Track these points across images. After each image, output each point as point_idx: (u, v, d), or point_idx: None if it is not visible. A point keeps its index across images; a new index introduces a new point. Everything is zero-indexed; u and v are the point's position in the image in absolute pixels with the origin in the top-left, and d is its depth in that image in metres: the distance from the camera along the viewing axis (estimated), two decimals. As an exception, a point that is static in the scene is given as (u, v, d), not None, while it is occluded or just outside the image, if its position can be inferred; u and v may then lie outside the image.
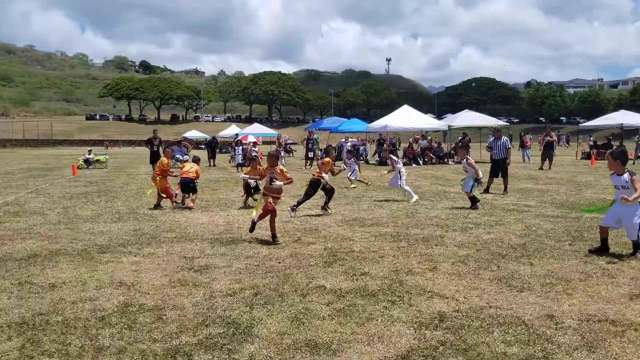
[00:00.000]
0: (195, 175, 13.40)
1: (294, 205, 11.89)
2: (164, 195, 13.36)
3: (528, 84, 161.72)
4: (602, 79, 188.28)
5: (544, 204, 13.14)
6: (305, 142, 32.13)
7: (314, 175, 12.30)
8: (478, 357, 4.40)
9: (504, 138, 16.64)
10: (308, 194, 12.07)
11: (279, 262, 7.53)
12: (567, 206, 12.63)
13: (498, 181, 16.14)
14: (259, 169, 11.49)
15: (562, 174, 22.08)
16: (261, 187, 10.52)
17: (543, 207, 12.58)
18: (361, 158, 34.85)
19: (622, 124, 35.67)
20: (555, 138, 29.75)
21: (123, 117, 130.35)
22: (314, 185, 12.07)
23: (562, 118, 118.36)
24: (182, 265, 7.45)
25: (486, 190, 15.34)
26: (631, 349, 4.48)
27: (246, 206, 13.31)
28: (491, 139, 16.59)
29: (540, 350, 4.49)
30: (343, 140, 34.19)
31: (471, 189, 12.48)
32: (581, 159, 35.32)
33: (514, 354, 4.44)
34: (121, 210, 12.85)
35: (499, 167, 15.86)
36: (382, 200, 14.11)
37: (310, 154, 30.22)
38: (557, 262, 7.30)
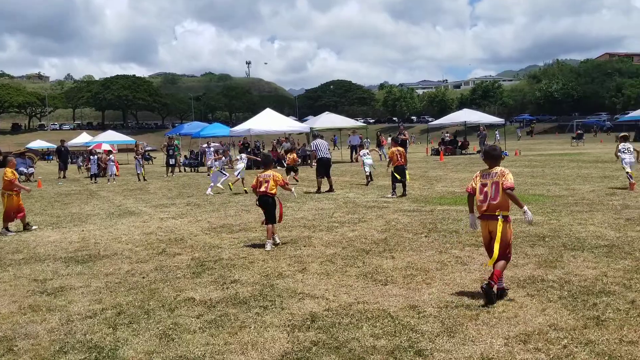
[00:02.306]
0: (292, 161, 20.89)
1: None
2: (16, 215, 11.39)
3: (381, 86, 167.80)
4: (446, 80, 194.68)
5: (401, 199, 13.93)
6: (165, 148, 30.96)
7: None
8: (349, 353, 4.52)
9: (317, 140, 17.76)
10: None
11: (143, 277, 7.17)
12: (421, 200, 13.49)
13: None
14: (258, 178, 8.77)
15: (415, 170, 23.46)
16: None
17: (400, 202, 13.32)
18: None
19: (465, 121, 38.58)
20: (408, 137, 31.76)
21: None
22: None
23: (412, 117, 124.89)
24: (32, 289, 6.80)
25: (318, 191, 16.23)
26: (485, 330, 4.88)
27: None
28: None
29: (406, 340, 4.73)
30: (205, 145, 33.50)
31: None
32: (431, 155, 37.79)
33: (382, 346, 4.63)
34: (-45, 233, 11.42)
35: (325, 167, 16.63)
36: (249, 205, 14.05)
37: (172, 161, 29.20)
38: (416, 254, 7.76)
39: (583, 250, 7.54)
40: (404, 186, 14.57)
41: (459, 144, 38.80)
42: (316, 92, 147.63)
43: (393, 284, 6.37)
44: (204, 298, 6.13)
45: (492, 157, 5.75)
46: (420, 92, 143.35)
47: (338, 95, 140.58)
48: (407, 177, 14.86)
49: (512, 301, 5.58)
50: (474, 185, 5.77)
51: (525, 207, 5.57)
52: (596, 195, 13.05)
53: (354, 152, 33.39)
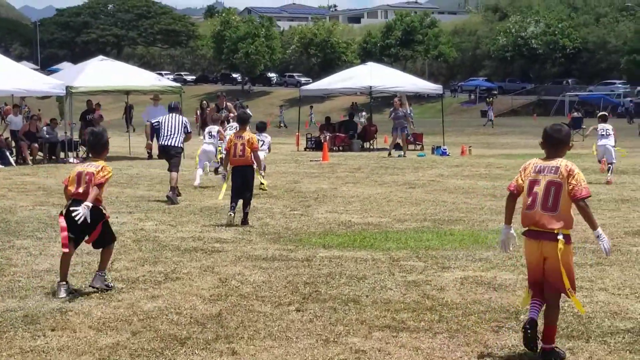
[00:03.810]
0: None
1: None
2: None
3: (210, 11, 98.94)
4: (335, 6, 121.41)
5: (248, 234, 8.25)
6: None
7: None
8: None
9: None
10: None
11: None
12: (288, 238, 8.02)
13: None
14: None
15: (276, 179, 14.12)
16: None
17: (247, 240, 7.91)
18: None
19: (370, 87, 22.27)
20: (234, 112, 17.97)
21: None
22: None
23: (270, 75, 74.48)
24: None
25: None
26: None
27: None
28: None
29: None
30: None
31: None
32: (306, 149, 23.05)
33: None
34: None
35: (167, 155, 10.63)
36: None
37: None
38: (280, 346, 4.45)
39: (588, 340, 4.60)
40: (245, 207, 8.71)
41: (359, 129, 24.00)
42: (79, 17, 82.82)
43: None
44: None
45: (555, 141, 4.08)
46: (286, 26, 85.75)
47: (124, 25, 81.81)
48: (264, 185, 9.64)
49: None
50: (520, 181, 4.10)
51: (600, 230, 4.01)
52: (609, 234, 7.74)
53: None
